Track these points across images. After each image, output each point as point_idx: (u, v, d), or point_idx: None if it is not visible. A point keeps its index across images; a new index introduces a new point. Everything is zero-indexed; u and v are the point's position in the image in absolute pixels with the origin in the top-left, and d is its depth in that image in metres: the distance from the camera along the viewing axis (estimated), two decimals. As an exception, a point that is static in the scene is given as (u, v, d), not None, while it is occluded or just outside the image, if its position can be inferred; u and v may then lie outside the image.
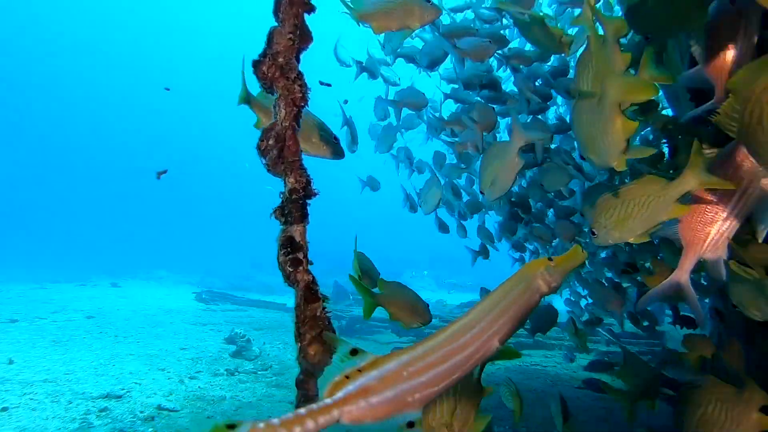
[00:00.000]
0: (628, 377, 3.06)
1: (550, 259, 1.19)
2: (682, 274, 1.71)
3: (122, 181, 41.71)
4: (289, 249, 1.34)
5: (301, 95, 1.25)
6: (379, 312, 8.67)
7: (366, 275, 3.00)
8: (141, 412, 4.48)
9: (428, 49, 4.11)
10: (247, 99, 2.26)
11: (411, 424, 0.93)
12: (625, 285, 4.31)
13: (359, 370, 0.90)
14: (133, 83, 47.87)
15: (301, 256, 1.35)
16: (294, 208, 1.32)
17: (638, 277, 3.84)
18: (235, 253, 23.30)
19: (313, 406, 0.85)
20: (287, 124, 1.25)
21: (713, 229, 1.64)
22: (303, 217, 1.35)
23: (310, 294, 1.35)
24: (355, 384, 0.89)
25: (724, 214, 1.61)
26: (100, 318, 9.43)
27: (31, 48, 45.25)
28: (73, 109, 48.78)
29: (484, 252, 5.45)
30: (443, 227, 5.48)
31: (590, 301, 4.85)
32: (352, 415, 0.87)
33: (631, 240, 2.37)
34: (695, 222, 1.68)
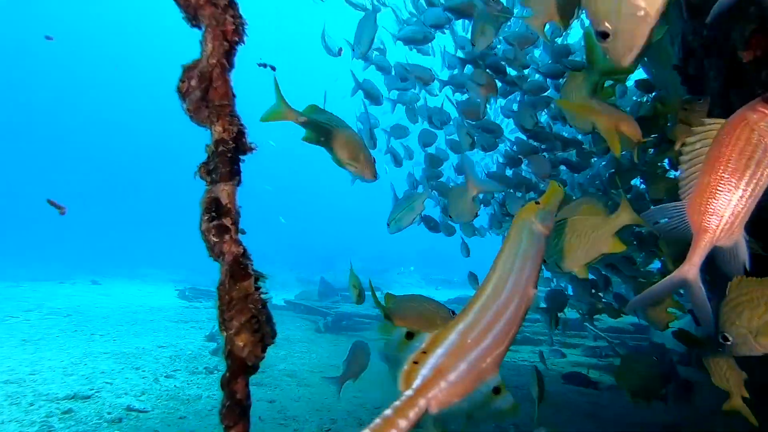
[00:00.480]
0: (627, 380, 3.00)
1: (537, 202, 1.20)
2: (691, 267, 1.40)
3: (106, 178, 41.03)
4: (213, 214, 1.10)
5: (233, 28, 1.01)
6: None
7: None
8: (108, 413, 4.21)
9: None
10: (284, 114, 2.21)
11: (497, 390, 0.91)
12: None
13: (424, 352, 0.88)
14: (112, 77, 47.19)
15: (228, 222, 1.11)
16: (221, 162, 1.07)
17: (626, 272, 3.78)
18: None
19: (397, 403, 0.82)
20: (214, 62, 1.01)
21: (727, 210, 1.34)
22: (232, 175, 1.09)
23: (238, 270, 1.12)
24: (427, 367, 0.87)
25: (739, 191, 1.31)
26: (77, 316, 9.08)
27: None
28: (51, 105, 47.64)
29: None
30: (432, 225, 5.38)
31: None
32: (439, 400, 0.85)
33: (575, 271, 2.30)
34: (704, 203, 1.36)
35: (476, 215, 3.23)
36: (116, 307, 10.57)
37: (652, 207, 1.54)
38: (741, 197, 1.31)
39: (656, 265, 4.16)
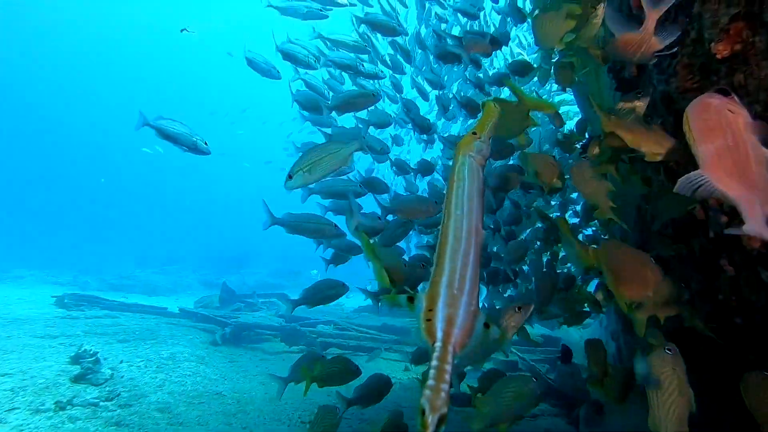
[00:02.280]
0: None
1: (474, 133, 1.31)
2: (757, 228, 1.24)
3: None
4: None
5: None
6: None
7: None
8: None
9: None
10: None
11: (487, 325, 1.04)
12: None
13: (430, 310, 1.01)
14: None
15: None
16: None
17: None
18: (116, 249, 20.53)
19: (436, 353, 0.94)
20: None
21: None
22: None
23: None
24: (440, 320, 1.00)
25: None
26: None
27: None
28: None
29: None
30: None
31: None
32: (459, 343, 0.98)
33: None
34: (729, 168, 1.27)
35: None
36: (-35, 319, 8.74)
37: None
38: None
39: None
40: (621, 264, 2.04)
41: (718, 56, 1.73)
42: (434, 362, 0.93)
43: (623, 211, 3.96)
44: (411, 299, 1.06)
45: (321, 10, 4.60)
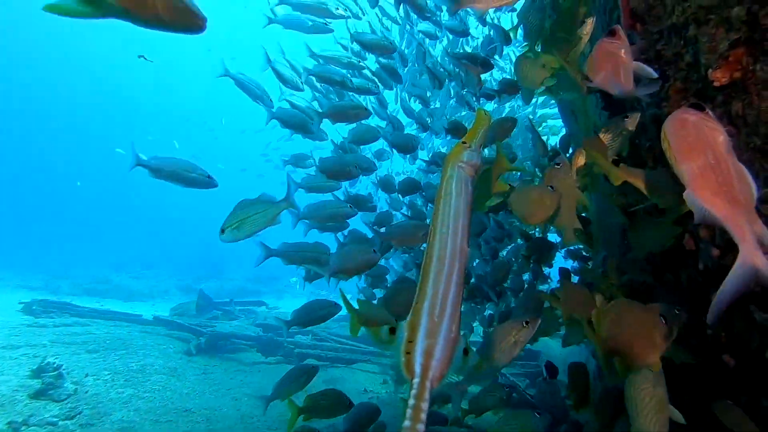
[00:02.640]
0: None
1: (464, 142, 1.30)
2: (750, 248, 1.17)
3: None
4: None
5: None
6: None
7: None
8: None
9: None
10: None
11: (466, 351, 1.07)
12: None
13: (410, 341, 1.02)
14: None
15: None
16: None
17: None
18: (92, 252, 19.89)
19: (413, 391, 0.96)
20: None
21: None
22: None
23: None
24: (418, 353, 1.00)
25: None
26: None
27: None
28: None
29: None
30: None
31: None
32: (436, 377, 0.99)
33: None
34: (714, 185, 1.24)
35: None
36: None
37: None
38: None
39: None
40: (626, 332, 1.87)
41: (716, 83, 1.59)
42: (411, 401, 0.94)
43: (606, 231, 3.86)
44: (393, 330, 1.06)
45: (326, 24, 4.56)
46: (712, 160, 1.23)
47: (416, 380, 0.97)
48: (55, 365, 5.67)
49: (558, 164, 2.50)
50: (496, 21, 4.23)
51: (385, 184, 4.83)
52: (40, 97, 42.55)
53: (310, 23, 4.65)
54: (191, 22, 1.38)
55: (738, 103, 1.61)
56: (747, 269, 1.17)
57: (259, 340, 8.96)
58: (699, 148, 1.25)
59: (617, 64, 1.79)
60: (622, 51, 1.79)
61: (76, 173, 38.11)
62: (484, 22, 4.15)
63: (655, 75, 1.83)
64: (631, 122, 2.40)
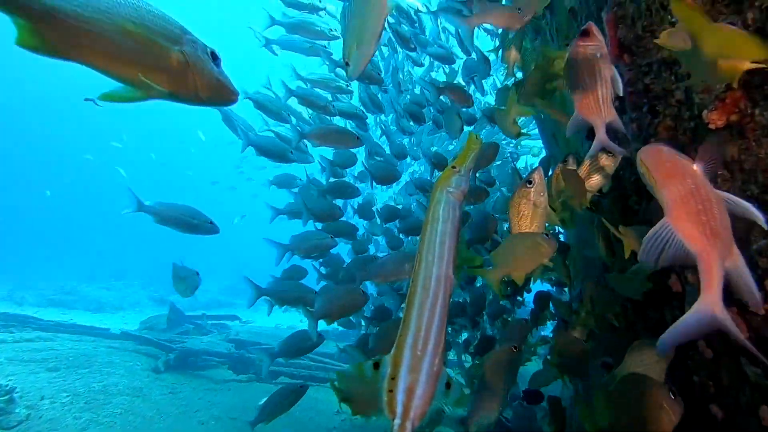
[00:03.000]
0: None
1: (453, 167, 1.27)
2: (713, 297, 1.12)
3: None
4: None
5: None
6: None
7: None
8: None
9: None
10: None
11: (448, 385, 1.06)
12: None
13: (393, 378, 1.02)
14: None
15: None
16: None
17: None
18: (60, 262, 19.12)
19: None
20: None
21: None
22: None
23: None
24: (400, 392, 1.00)
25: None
26: None
27: None
28: None
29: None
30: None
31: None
32: (417, 415, 1.00)
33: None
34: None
35: None
36: None
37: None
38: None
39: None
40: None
41: (711, 126, 1.47)
42: None
43: (585, 263, 3.75)
44: (377, 365, 1.05)
45: (326, 47, 4.48)
46: (692, 185, 1.20)
47: (397, 421, 0.99)
48: (7, 388, 5.31)
49: (530, 183, 2.18)
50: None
51: (363, 211, 4.70)
52: (5, 104, 41.30)
53: (308, 45, 4.55)
54: (226, 98, 1.48)
55: (733, 148, 1.49)
56: (704, 315, 1.13)
57: (231, 356, 8.67)
58: (679, 173, 1.23)
59: (594, 70, 1.58)
60: (599, 53, 1.58)
61: (44, 181, 36.91)
62: (468, 52, 4.05)
63: (620, 92, 1.65)
64: (613, 162, 2.27)
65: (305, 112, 4.52)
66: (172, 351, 8.52)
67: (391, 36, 4.21)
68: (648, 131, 1.90)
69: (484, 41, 4.63)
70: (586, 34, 1.60)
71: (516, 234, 2.08)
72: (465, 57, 4.14)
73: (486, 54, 3.87)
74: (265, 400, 3.53)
